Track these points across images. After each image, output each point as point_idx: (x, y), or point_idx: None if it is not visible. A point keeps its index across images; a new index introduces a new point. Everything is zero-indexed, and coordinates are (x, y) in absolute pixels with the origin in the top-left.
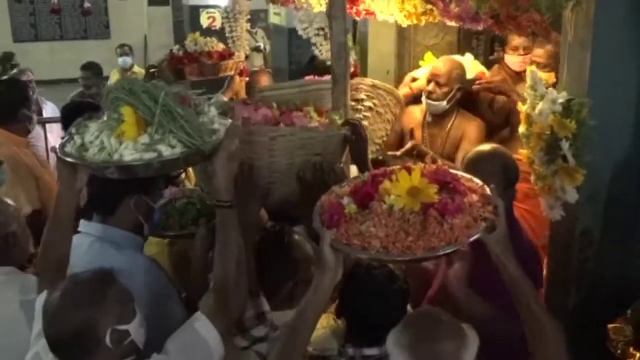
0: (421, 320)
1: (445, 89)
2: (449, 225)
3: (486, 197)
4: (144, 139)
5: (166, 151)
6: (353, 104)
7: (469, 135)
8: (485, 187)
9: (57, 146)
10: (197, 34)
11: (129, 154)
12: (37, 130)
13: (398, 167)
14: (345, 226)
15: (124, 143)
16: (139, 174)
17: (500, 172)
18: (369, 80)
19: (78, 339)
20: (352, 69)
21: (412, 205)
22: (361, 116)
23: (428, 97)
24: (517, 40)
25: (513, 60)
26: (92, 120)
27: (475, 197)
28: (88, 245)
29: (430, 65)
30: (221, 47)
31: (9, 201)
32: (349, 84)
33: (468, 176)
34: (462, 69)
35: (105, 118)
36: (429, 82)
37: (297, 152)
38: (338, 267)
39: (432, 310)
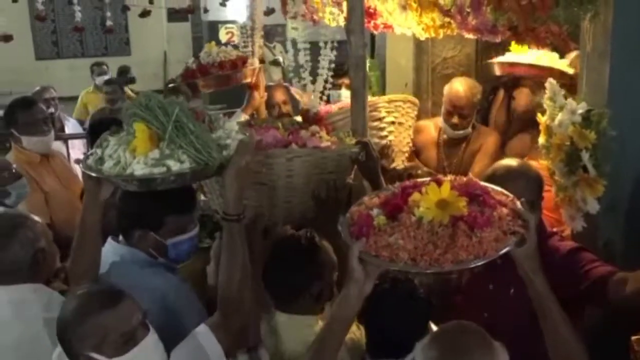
0: (449, 332)
1: (469, 118)
2: (477, 238)
3: (516, 210)
4: (154, 153)
5: (174, 166)
6: (375, 123)
7: (487, 148)
8: (516, 200)
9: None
10: (212, 43)
11: (139, 168)
12: (59, 145)
13: (428, 179)
14: (374, 237)
15: (136, 157)
16: (148, 187)
17: (532, 187)
18: (383, 97)
19: (64, 347)
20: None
21: (441, 217)
22: (385, 132)
23: (454, 129)
24: None
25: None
26: (113, 135)
27: (505, 210)
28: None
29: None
30: (234, 54)
31: (36, 217)
32: (367, 97)
33: (498, 189)
34: (478, 89)
35: (124, 132)
36: (450, 113)
37: (313, 172)
38: (366, 279)
39: (460, 323)
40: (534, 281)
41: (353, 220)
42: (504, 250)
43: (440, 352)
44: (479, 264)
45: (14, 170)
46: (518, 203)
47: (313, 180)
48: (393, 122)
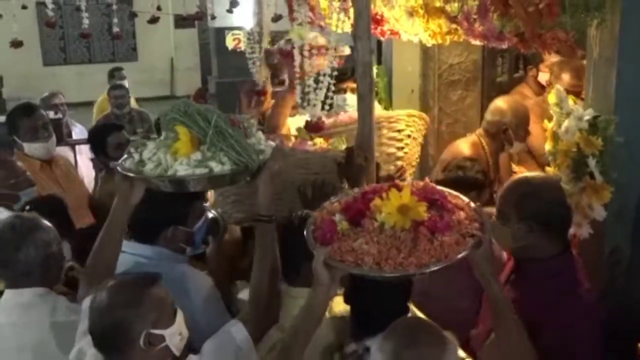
0: (404, 327)
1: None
2: (438, 242)
3: (471, 215)
4: (196, 155)
5: (216, 167)
6: (394, 134)
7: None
8: (471, 204)
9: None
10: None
11: (182, 169)
12: (66, 151)
13: (387, 184)
14: (338, 243)
15: (178, 159)
16: (189, 187)
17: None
18: (403, 111)
19: (113, 337)
20: None
21: (403, 222)
22: (402, 144)
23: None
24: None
25: (546, 77)
26: (150, 140)
27: (462, 214)
28: (134, 264)
29: None
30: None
31: (49, 224)
32: (374, 103)
33: (454, 193)
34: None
35: (162, 137)
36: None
37: (297, 171)
38: (331, 283)
39: (415, 318)
40: (490, 283)
41: (316, 225)
42: (463, 253)
43: (394, 346)
44: (441, 266)
45: (27, 177)
46: (473, 205)
47: (298, 179)
48: (409, 136)
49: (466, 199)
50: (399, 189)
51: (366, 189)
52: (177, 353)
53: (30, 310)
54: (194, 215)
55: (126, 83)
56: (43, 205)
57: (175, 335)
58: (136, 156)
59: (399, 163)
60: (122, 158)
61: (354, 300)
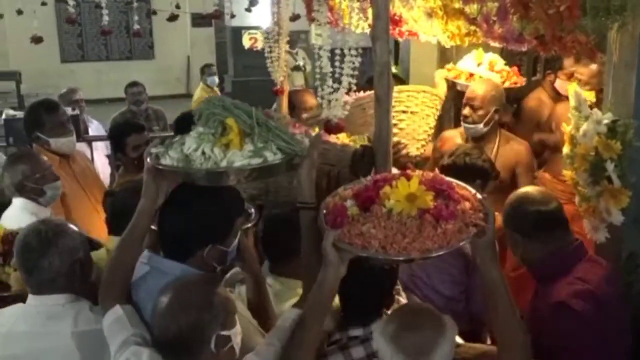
0: (405, 311)
1: (480, 112)
2: (442, 229)
3: (476, 205)
4: (249, 147)
5: (270, 157)
6: None
7: (523, 161)
8: (477, 195)
9: (149, 162)
10: None
11: (238, 160)
12: (83, 147)
13: (398, 173)
14: (348, 226)
15: (228, 152)
16: (249, 177)
17: None
18: (406, 87)
19: (185, 340)
20: None
21: (409, 209)
22: (395, 121)
23: (464, 121)
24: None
25: (563, 85)
26: (184, 136)
27: (467, 204)
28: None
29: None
30: None
31: (75, 227)
32: (391, 104)
33: (462, 184)
34: (497, 90)
35: (196, 133)
36: (464, 105)
37: None
38: (340, 263)
39: (415, 304)
40: (490, 270)
41: (328, 210)
42: (465, 241)
43: (395, 328)
44: (443, 252)
45: (52, 171)
46: (480, 198)
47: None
48: (404, 111)
49: (473, 190)
50: (409, 178)
51: (377, 177)
52: (237, 353)
53: (52, 320)
54: (233, 233)
55: (216, 79)
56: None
57: (238, 335)
58: (174, 153)
59: (395, 139)
60: (150, 157)
61: (341, 290)
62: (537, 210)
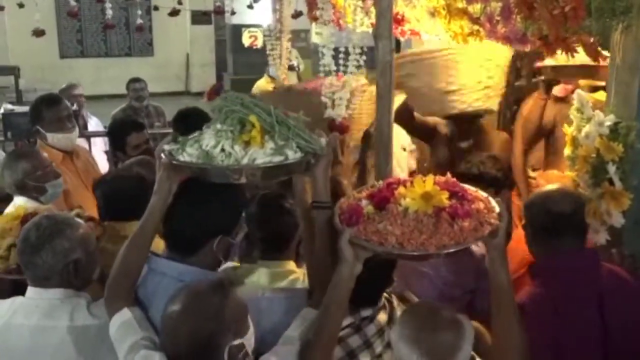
0: (421, 312)
1: None
2: (458, 226)
3: (490, 206)
4: (270, 144)
5: (292, 155)
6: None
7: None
8: (490, 198)
9: (165, 159)
10: None
11: (260, 157)
12: (82, 142)
13: (409, 179)
14: (364, 224)
15: (249, 149)
16: (269, 176)
17: None
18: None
19: (197, 353)
20: None
21: (425, 208)
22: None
23: None
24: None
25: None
26: (200, 133)
27: (481, 205)
28: (159, 284)
29: None
30: None
31: (81, 222)
32: (393, 102)
33: (473, 188)
34: None
35: (213, 129)
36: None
37: None
38: (355, 260)
39: (431, 303)
40: (498, 273)
41: (342, 210)
42: (481, 239)
43: (412, 330)
44: (459, 249)
45: (53, 168)
46: (492, 201)
47: None
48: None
49: (485, 194)
50: (423, 179)
51: (390, 180)
52: (251, 353)
53: (49, 314)
54: (239, 226)
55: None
56: None
57: (251, 338)
58: (192, 150)
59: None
60: (164, 154)
61: None
62: (549, 211)
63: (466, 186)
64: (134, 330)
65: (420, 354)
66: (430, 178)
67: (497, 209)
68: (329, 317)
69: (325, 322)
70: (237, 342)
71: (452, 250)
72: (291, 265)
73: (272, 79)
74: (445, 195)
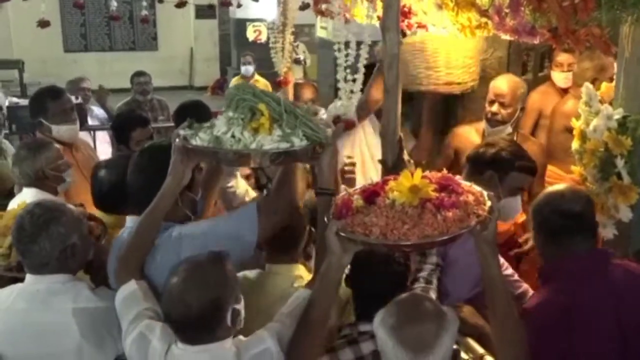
0: (405, 302)
1: (510, 110)
2: (442, 217)
3: (481, 199)
4: (277, 132)
5: (297, 142)
6: None
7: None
8: (484, 192)
9: (179, 143)
10: None
11: (267, 143)
12: (85, 135)
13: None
14: (352, 218)
15: (257, 136)
16: (275, 161)
17: None
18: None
19: (204, 318)
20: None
21: (412, 200)
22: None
23: (491, 119)
24: (561, 56)
25: (557, 77)
26: (214, 120)
27: (471, 197)
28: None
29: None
30: None
31: (73, 207)
32: (400, 95)
33: (468, 184)
34: (524, 87)
35: (225, 117)
36: (491, 102)
37: None
38: (343, 252)
39: (416, 294)
40: (490, 265)
41: (337, 205)
42: (466, 230)
43: (396, 320)
44: (442, 239)
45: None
46: (486, 195)
47: None
48: None
49: (479, 188)
50: (412, 174)
51: (387, 177)
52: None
53: (52, 297)
54: (197, 184)
55: (251, 68)
56: None
57: (243, 307)
58: (204, 135)
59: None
60: (181, 139)
61: (354, 284)
62: (559, 213)
63: (461, 181)
64: (138, 301)
65: (395, 342)
66: (419, 171)
67: (489, 203)
68: (318, 306)
69: (315, 310)
70: (237, 306)
71: (435, 240)
72: (300, 270)
73: (245, 78)
74: (432, 187)
